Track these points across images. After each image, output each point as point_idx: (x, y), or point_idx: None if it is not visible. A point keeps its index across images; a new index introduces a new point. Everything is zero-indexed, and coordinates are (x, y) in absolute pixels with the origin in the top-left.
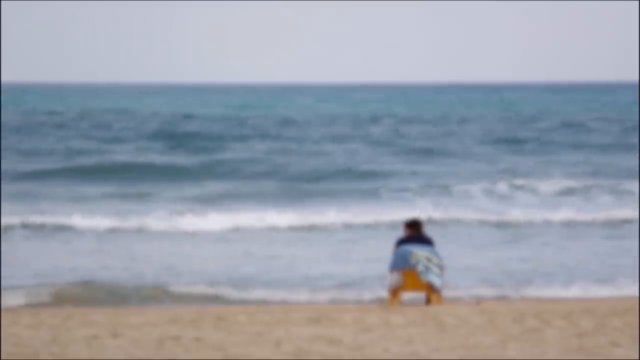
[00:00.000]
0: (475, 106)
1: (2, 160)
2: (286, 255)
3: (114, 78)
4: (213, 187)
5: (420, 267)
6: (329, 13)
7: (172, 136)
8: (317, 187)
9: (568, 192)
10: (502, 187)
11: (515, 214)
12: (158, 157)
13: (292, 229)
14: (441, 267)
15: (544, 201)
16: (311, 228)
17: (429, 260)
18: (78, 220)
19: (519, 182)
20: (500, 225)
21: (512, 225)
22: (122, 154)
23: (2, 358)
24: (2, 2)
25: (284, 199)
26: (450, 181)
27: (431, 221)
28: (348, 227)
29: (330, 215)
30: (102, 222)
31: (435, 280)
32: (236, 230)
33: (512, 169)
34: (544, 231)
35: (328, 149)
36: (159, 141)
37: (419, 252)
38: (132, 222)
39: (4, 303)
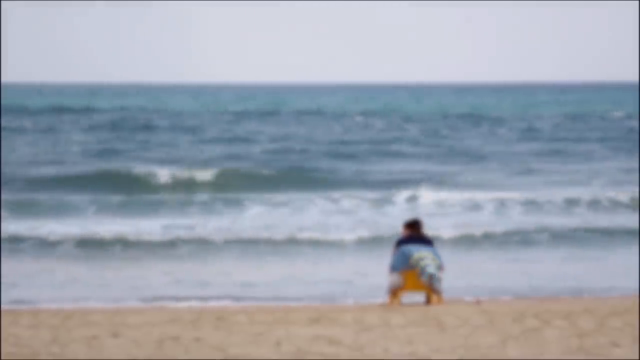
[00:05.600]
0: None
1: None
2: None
3: (114, 78)
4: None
5: (419, 268)
6: (347, 12)
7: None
8: None
9: None
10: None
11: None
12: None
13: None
14: (440, 268)
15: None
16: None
17: (429, 259)
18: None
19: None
20: None
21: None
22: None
23: (2, 358)
24: (1, 2)
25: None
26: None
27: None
28: None
29: None
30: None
31: (436, 274)
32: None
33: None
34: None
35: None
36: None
37: (418, 253)
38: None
39: None
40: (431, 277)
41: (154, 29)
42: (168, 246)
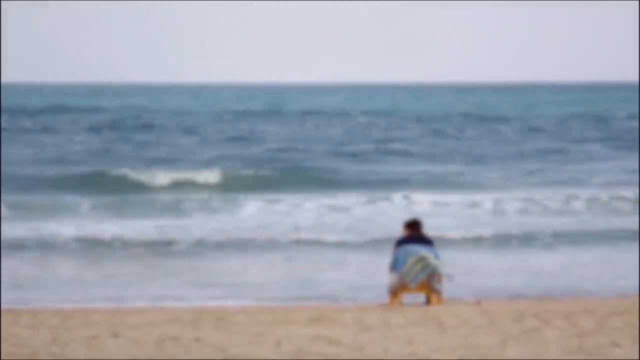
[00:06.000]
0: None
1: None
2: None
3: (114, 78)
4: None
5: (408, 276)
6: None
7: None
8: None
9: None
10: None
11: None
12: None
13: None
14: (440, 268)
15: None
16: None
17: (424, 260)
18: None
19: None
20: None
21: None
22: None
23: (2, 358)
24: (1, 2)
25: None
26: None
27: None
28: None
29: None
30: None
31: (430, 270)
32: None
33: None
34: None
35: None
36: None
37: (417, 254)
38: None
39: None
40: (431, 276)
41: (153, 29)
42: (167, 246)
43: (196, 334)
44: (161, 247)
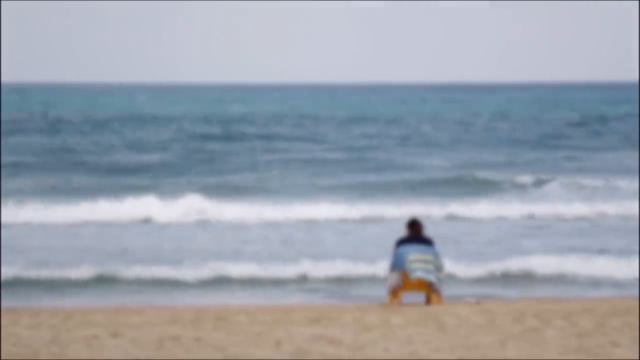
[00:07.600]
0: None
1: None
2: None
3: (114, 78)
4: None
5: (411, 268)
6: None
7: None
8: None
9: None
10: None
11: None
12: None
13: None
14: (439, 268)
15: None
16: None
17: (425, 262)
18: None
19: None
20: None
21: None
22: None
23: (2, 358)
24: (1, 2)
25: None
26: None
27: None
28: None
29: None
30: None
31: (430, 276)
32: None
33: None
34: None
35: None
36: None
37: (416, 254)
38: None
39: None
40: (421, 275)
41: (154, 29)
42: (168, 246)
43: (196, 334)
44: (163, 247)
